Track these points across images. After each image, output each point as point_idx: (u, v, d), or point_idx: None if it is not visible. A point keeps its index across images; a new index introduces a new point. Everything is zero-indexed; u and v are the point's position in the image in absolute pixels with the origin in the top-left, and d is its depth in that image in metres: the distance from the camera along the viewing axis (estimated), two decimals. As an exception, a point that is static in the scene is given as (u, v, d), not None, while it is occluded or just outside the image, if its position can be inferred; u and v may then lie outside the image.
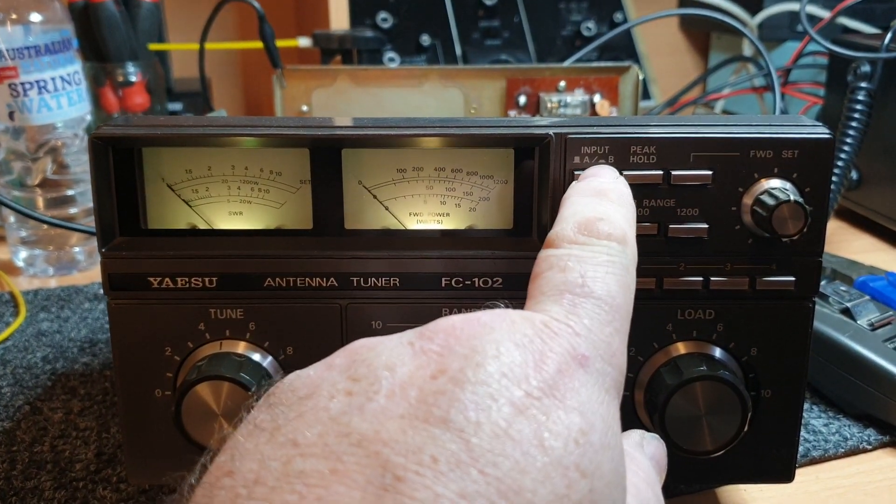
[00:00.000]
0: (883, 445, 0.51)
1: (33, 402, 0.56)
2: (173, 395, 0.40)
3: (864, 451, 0.51)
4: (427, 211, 0.40)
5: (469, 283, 0.39)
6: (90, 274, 0.78)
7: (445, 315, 0.39)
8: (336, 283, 0.39)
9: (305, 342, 0.40)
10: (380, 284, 0.39)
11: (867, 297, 0.58)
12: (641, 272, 0.39)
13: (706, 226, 0.38)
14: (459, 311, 0.39)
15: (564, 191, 0.38)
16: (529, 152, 0.39)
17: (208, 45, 0.89)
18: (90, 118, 0.78)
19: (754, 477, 0.42)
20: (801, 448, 0.50)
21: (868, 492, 0.47)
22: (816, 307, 0.56)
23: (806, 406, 0.54)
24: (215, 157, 0.39)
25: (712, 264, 0.39)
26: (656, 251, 0.39)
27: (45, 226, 0.76)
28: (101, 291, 0.72)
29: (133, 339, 0.40)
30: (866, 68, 0.76)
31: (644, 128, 0.38)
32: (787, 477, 0.42)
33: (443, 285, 0.39)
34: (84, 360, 0.61)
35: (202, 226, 0.40)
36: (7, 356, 0.62)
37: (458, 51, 1.05)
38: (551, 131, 0.37)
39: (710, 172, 0.38)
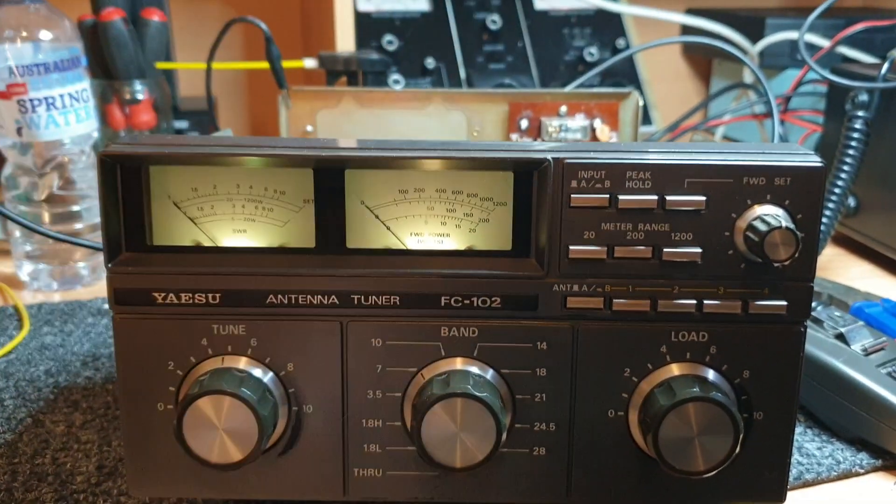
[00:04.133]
0: (875, 469, 0.52)
1: (35, 414, 0.56)
2: (175, 409, 0.40)
3: (857, 474, 0.51)
4: (428, 231, 0.41)
5: (468, 302, 0.40)
6: (94, 289, 0.79)
7: (444, 334, 0.41)
8: (337, 301, 0.40)
9: (305, 358, 0.40)
10: (380, 302, 0.40)
11: (861, 323, 0.58)
12: (636, 294, 0.40)
13: (700, 250, 0.39)
14: (458, 330, 0.40)
15: (562, 213, 0.39)
16: (528, 175, 0.40)
17: (215, 65, 0.90)
18: (97, 135, 0.79)
19: (746, 497, 0.43)
20: (794, 471, 0.50)
21: (860, 515, 0.48)
22: (811, 332, 0.56)
23: (799, 429, 0.55)
24: (220, 176, 0.40)
25: (706, 287, 0.40)
26: (651, 274, 0.39)
27: (51, 241, 0.77)
28: (105, 306, 0.73)
29: (137, 353, 0.40)
30: (864, 97, 0.77)
31: (640, 154, 0.39)
32: (779, 498, 0.43)
33: (442, 304, 0.40)
34: (87, 374, 0.62)
35: (206, 243, 0.41)
36: (10, 369, 0.63)
37: (463, 74, 1.07)
38: (549, 156, 0.38)
39: (703, 198, 0.38)
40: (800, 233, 0.37)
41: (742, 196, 0.38)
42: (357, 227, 0.41)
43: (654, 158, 0.38)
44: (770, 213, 0.38)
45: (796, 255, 0.37)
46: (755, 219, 0.38)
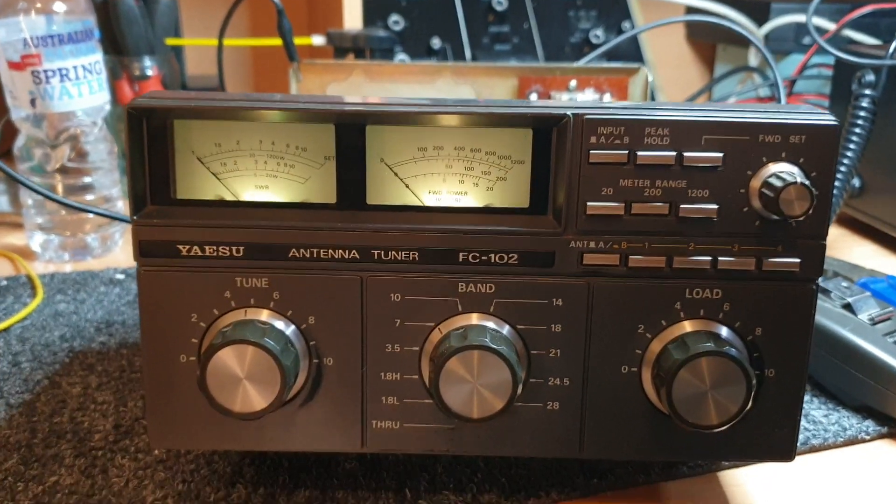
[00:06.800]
0: (881, 436, 0.52)
1: (52, 376, 0.57)
2: (198, 360, 0.41)
3: (863, 441, 0.52)
4: (446, 189, 0.41)
5: (485, 258, 0.41)
6: (104, 260, 0.80)
7: (462, 290, 0.41)
8: (357, 256, 0.41)
9: (326, 312, 0.41)
10: (399, 258, 0.41)
11: (868, 294, 0.59)
12: (652, 251, 0.40)
13: (716, 207, 0.40)
14: (476, 286, 0.41)
15: (580, 170, 0.39)
16: (547, 133, 0.40)
17: (226, 42, 0.90)
18: (109, 107, 0.80)
19: (756, 454, 0.43)
20: (801, 436, 0.51)
21: (865, 480, 0.49)
22: (818, 302, 0.57)
23: (806, 397, 0.56)
24: (244, 132, 0.41)
25: (721, 244, 0.40)
26: (667, 230, 0.40)
27: (63, 212, 0.77)
28: (117, 276, 0.74)
29: (160, 306, 0.41)
30: (870, 77, 0.77)
31: (659, 111, 0.39)
32: (788, 456, 0.43)
33: (460, 260, 0.41)
34: (101, 340, 0.62)
35: (229, 198, 0.41)
36: (25, 334, 0.63)
37: (468, 54, 1.07)
38: (569, 112, 0.39)
39: (720, 155, 0.39)
40: (814, 189, 0.38)
41: (758, 153, 0.39)
42: (377, 185, 0.41)
43: (672, 115, 0.39)
44: (785, 171, 0.38)
45: (810, 211, 0.38)
46: (770, 175, 0.38)
